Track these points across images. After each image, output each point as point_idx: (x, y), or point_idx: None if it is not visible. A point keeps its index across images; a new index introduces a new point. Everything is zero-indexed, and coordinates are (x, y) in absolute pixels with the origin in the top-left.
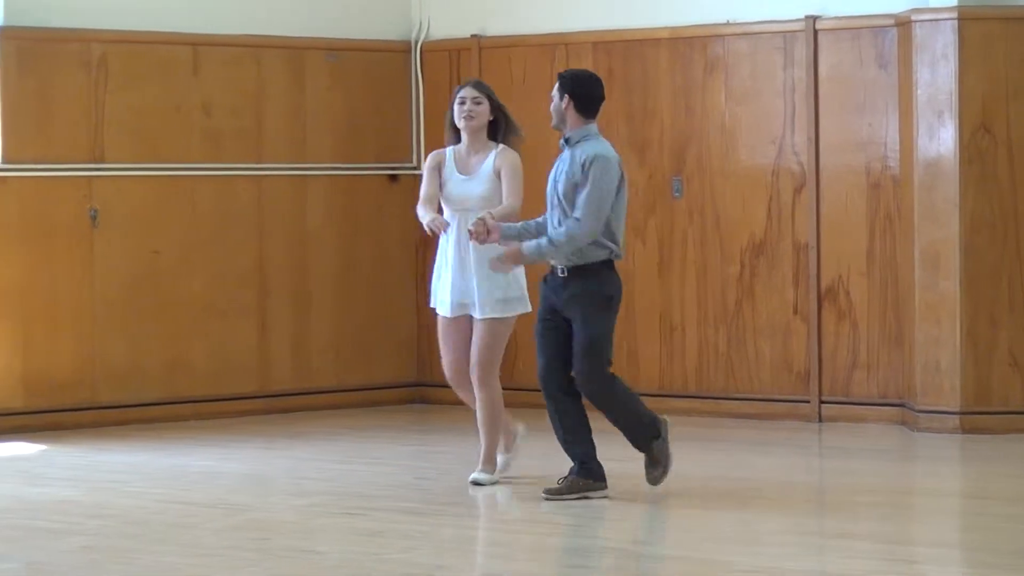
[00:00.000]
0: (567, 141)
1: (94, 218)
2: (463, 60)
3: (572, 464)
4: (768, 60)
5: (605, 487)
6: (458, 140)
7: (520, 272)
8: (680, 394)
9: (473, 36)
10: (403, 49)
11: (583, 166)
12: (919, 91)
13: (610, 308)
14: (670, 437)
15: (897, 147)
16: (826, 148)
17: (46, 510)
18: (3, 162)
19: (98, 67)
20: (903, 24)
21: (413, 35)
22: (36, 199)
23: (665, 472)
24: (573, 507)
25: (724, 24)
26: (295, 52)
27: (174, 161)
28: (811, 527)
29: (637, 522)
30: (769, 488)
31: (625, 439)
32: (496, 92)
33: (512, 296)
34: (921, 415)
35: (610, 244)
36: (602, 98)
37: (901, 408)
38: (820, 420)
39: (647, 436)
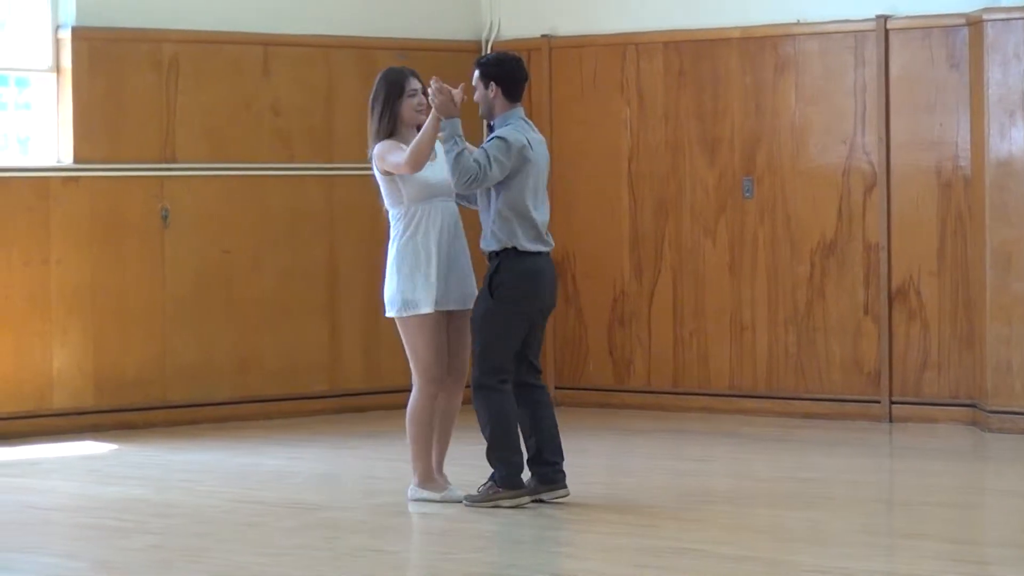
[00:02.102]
0: (491, 129)
1: (165, 218)
2: (534, 60)
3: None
4: (839, 60)
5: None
6: (392, 134)
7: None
8: (750, 394)
9: (544, 36)
10: (473, 49)
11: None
12: (990, 90)
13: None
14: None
15: (968, 147)
16: (897, 148)
17: (116, 509)
18: (75, 162)
19: (169, 67)
20: (974, 23)
21: (484, 35)
22: (107, 199)
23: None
24: (645, 507)
25: (795, 24)
26: (365, 52)
27: (244, 161)
28: (881, 528)
29: (708, 522)
30: (839, 488)
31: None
32: (567, 91)
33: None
34: (992, 415)
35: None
36: (526, 78)
37: (972, 408)
38: (890, 420)
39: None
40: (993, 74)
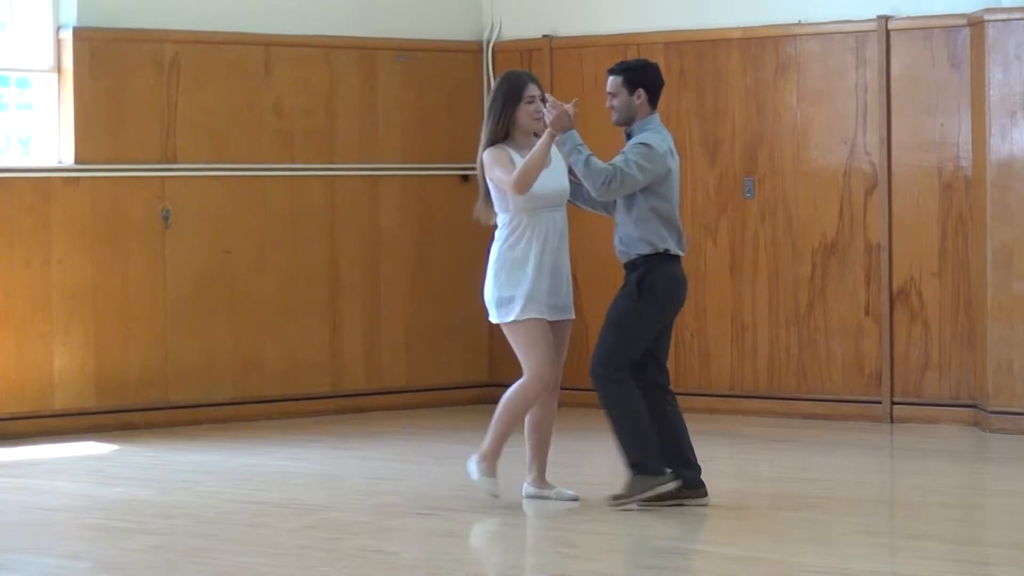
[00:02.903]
0: (629, 136)
1: (166, 218)
2: (535, 60)
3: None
4: (840, 60)
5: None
6: (505, 139)
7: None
8: (751, 395)
9: (545, 36)
10: (475, 49)
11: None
12: (991, 91)
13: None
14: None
15: (969, 147)
16: (898, 148)
17: (118, 509)
18: (76, 163)
19: (170, 67)
20: (976, 24)
21: (485, 35)
22: (109, 199)
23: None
24: (646, 509)
25: (796, 24)
26: (367, 52)
27: (246, 161)
28: (882, 528)
29: (710, 523)
30: (840, 489)
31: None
32: (568, 92)
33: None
34: (993, 416)
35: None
36: (664, 84)
37: (973, 409)
38: (892, 421)
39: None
40: (994, 74)
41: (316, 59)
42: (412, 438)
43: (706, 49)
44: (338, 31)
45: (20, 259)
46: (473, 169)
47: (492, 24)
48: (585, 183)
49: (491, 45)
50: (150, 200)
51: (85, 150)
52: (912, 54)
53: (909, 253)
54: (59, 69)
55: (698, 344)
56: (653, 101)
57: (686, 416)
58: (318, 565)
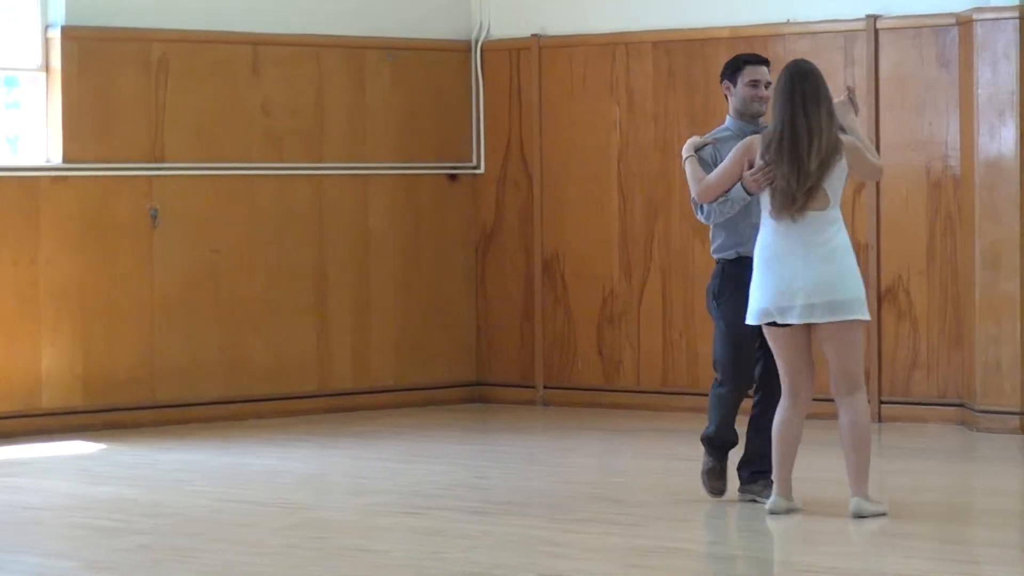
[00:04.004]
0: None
1: (154, 217)
2: (523, 60)
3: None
4: (829, 59)
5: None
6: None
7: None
8: None
9: (533, 36)
10: (463, 48)
11: None
12: (980, 90)
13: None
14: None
15: (958, 146)
16: (886, 147)
17: (106, 509)
18: (64, 162)
19: (158, 67)
20: (964, 23)
21: (473, 35)
22: (96, 199)
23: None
24: (631, 507)
25: (784, 23)
26: (355, 52)
27: (234, 161)
28: (871, 527)
29: (697, 522)
30: (828, 488)
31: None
32: (556, 92)
33: None
34: (981, 415)
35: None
36: None
37: (961, 408)
38: (880, 420)
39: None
40: (983, 74)
41: (304, 58)
42: (400, 437)
43: (695, 48)
44: (326, 30)
45: (8, 258)
46: (461, 168)
47: (481, 23)
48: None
49: (479, 44)
50: (138, 199)
51: (73, 149)
52: (901, 53)
53: (897, 252)
54: (47, 68)
55: (686, 343)
56: None
57: (675, 416)
58: (305, 564)
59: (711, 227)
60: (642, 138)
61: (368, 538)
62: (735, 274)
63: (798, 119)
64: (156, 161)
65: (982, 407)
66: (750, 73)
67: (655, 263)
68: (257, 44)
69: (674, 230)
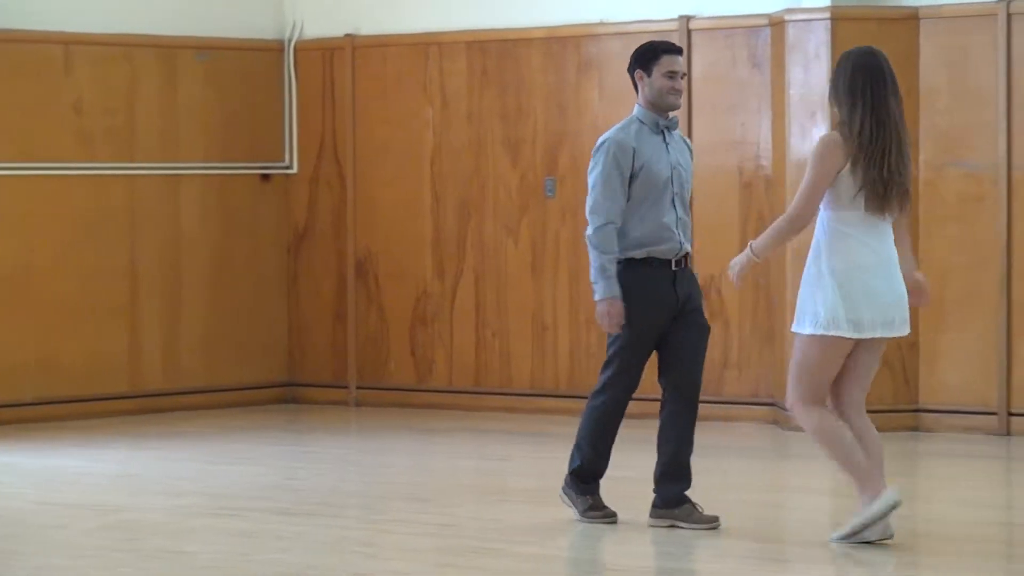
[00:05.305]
0: (674, 121)
1: None
2: (336, 59)
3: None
4: None
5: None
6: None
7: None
8: (552, 394)
9: (347, 35)
10: (276, 48)
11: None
12: (792, 91)
13: None
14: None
15: (770, 147)
16: (699, 148)
17: None
18: None
19: None
20: (777, 24)
21: (286, 34)
22: None
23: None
24: (447, 507)
25: (598, 24)
26: (167, 51)
27: (46, 160)
28: (680, 526)
29: (509, 521)
30: (639, 486)
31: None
32: (370, 91)
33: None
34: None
35: None
36: None
37: (772, 407)
38: None
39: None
40: (795, 74)
41: (116, 58)
42: (211, 438)
43: (508, 49)
44: (138, 29)
45: None
46: (274, 168)
47: (294, 23)
48: None
49: (293, 44)
50: None
51: None
52: (714, 54)
53: (709, 252)
54: None
55: (499, 343)
56: None
57: (487, 416)
58: (117, 566)
59: (614, 225)
60: (455, 138)
61: (179, 539)
62: (644, 274)
63: (895, 109)
64: None
65: None
66: (668, 63)
67: (468, 263)
68: (68, 43)
69: (487, 230)
